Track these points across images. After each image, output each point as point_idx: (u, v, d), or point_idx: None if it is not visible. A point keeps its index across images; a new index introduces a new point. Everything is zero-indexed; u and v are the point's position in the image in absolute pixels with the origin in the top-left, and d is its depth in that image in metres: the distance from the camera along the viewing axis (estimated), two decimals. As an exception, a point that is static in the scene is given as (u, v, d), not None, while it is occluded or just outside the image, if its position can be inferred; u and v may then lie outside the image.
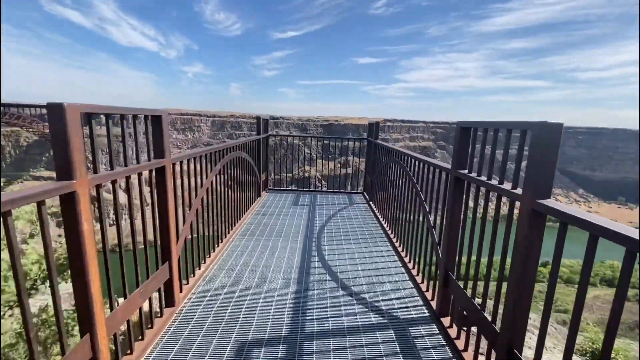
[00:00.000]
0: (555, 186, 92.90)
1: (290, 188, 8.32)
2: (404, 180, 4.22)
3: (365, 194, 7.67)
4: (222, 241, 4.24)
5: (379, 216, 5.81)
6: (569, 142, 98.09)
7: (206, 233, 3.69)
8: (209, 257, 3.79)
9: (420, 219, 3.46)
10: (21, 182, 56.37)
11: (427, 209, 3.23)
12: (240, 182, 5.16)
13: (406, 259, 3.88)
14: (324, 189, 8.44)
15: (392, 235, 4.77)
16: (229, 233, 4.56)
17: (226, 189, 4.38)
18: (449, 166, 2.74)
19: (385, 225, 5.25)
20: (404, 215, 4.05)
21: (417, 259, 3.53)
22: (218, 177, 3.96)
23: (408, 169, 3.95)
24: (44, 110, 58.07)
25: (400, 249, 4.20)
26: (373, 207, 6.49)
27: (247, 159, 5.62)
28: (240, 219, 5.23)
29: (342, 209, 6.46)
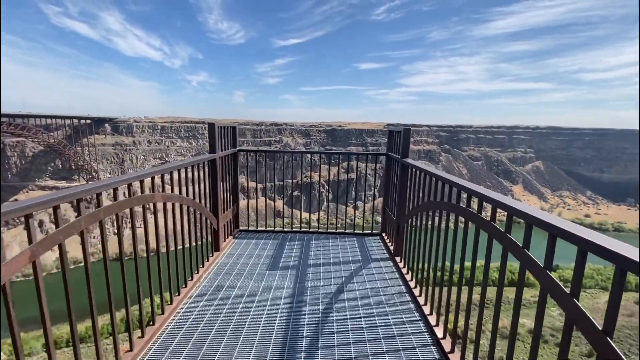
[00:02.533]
0: (563, 188, 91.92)
1: (272, 229, 5.56)
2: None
3: (384, 237, 5.30)
4: None
5: (416, 292, 3.53)
6: (575, 144, 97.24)
7: None
8: None
9: None
10: (26, 192, 57.12)
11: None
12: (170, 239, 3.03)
13: None
14: (323, 221, 5.53)
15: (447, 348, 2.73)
16: None
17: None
18: None
19: (433, 325, 3.04)
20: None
21: None
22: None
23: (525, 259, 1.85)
24: (49, 121, 59.30)
25: None
26: (402, 269, 4.14)
27: (182, 202, 3.30)
28: (158, 322, 2.95)
29: (351, 275, 4.02)
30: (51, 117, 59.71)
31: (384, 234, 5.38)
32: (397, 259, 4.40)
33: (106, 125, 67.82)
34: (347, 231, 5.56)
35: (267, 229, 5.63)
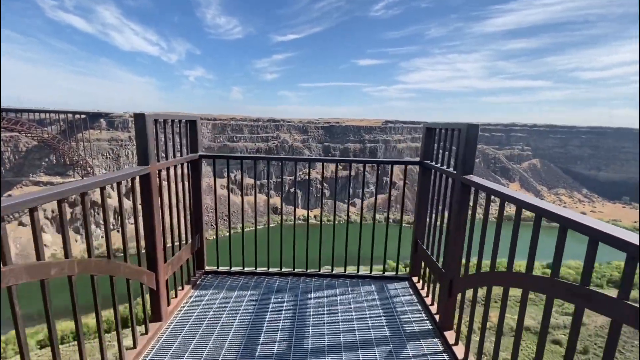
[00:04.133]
0: (559, 186, 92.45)
1: (252, 269, 4.02)
2: None
3: (414, 282, 3.86)
4: None
5: None
6: (572, 142, 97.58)
7: None
8: None
9: None
10: (20, 187, 56.60)
11: None
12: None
13: None
14: (327, 269, 4.06)
15: None
16: None
17: None
18: None
19: None
20: None
21: None
22: None
23: None
24: (43, 116, 58.58)
25: None
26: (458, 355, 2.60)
27: (46, 276, 1.63)
28: None
29: None
30: (45, 111, 59.04)
31: (414, 279, 3.86)
32: (448, 335, 2.78)
33: (101, 120, 67.15)
34: (360, 273, 3.97)
35: (246, 269, 3.99)
